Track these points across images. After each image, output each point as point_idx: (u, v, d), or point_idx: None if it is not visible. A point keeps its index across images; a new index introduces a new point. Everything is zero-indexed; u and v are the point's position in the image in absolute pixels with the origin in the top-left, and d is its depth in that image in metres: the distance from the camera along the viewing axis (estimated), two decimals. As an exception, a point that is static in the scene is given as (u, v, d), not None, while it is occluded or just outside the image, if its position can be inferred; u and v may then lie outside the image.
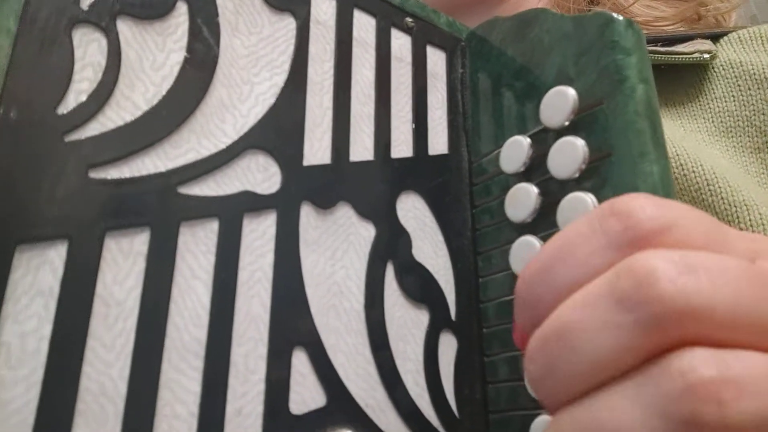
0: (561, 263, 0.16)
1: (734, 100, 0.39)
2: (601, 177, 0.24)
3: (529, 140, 0.27)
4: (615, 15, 0.26)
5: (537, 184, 0.26)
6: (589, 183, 0.24)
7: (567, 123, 0.25)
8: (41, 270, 0.18)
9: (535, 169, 0.27)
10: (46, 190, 0.18)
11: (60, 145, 0.19)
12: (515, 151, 0.27)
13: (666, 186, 0.23)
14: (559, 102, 0.25)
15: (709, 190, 0.33)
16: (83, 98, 0.20)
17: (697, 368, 0.14)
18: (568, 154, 0.24)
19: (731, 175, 0.34)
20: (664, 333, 0.14)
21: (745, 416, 0.13)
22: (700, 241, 0.15)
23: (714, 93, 0.40)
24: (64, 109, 0.20)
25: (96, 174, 0.20)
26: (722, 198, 0.32)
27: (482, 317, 0.28)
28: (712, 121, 0.39)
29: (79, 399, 0.17)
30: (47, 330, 0.17)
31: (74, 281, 0.18)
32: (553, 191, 0.26)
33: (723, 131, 0.38)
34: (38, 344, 0.17)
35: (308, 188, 0.24)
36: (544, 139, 0.27)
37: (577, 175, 0.24)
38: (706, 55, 0.40)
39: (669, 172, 0.24)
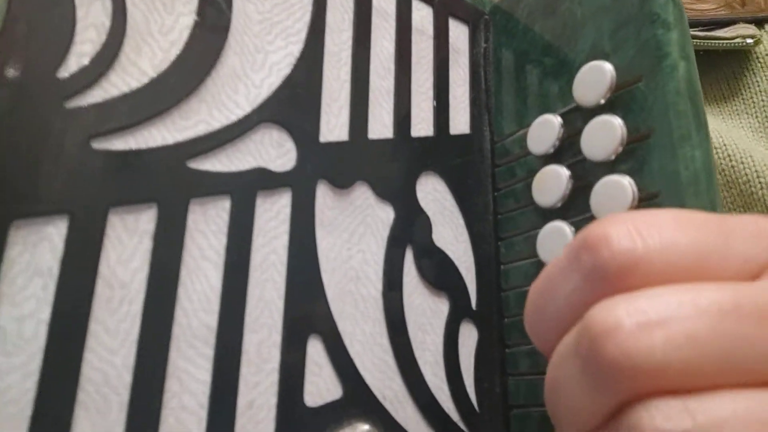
0: (547, 302, 0.16)
1: None
2: (638, 160, 0.23)
3: (560, 119, 0.25)
4: (655, -14, 0.24)
5: (568, 167, 0.25)
6: (625, 166, 0.23)
7: (603, 101, 0.23)
8: (39, 248, 0.16)
9: (565, 151, 0.25)
10: (45, 161, 0.17)
11: (60, 112, 0.18)
12: (545, 130, 0.25)
13: (708, 173, 0.22)
14: (595, 78, 0.24)
15: (760, 182, 0.31)
16: (85, 62, 0.18)
17: (647, 427, 0.13)
18: (605, 134, 0.23)
19: None
20: (618, 393, 0.14)
21: None
22: (682, 270, 0.14)
23: (759, 86, 0.37)
24: (64, 72, 0.18)
25: (99, 144, 0.18)
26: (764, 182, 0.31)
27: (503, 306, 0.27)
28: (756, 117, 0.37)
29: (81, 389, 0.16)
30: (46, 313, 0.16)
31: (75, 260, 0.17)
32: (586, 174, 0.24)
33: None
34: (36, 329, 0.16)
35: (325, 166, 0.23)
36: (576, 118, 0.25)
37: (613, 157, 0.23)
38: (750, 40, 0.37)
39: (711, 157, 0.22)
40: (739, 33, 0.39)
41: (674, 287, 0.14)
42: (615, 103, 0.24)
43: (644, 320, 0.13)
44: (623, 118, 0.23)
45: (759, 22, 0.41)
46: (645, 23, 0.24)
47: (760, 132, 0.37)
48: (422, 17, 0.29)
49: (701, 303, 0.14)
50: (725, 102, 0.39)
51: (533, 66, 0.28)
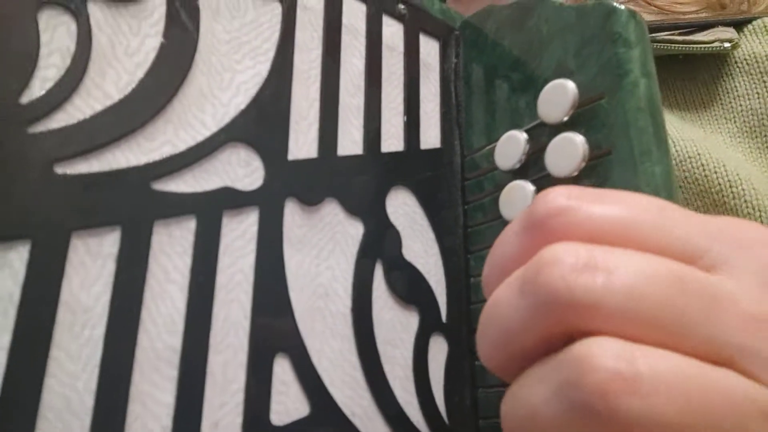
0: (495, 253, 0.18)
1: (759, 98, 0.36)
2: (600, 176, 0.23)
3: (525, 136, 0.26)
4: (616, 5, 0.25)
5: (533, 182, 0.25)
6: (588, 182, 0.23)
7: (566, 118, 0.24)
8: (0, 274, 0.16)
9: (531, 166, 0.26)
10: (7, 186, 0.17)
11: (23, 137, 0.18)
12: (511, 146, 0.26)
13: (668, 187, 0.22)
14: (558, 96, 0.24)
15: (732, 192, 0.32)
16: (49, 86, 0.19)
17: (592, 357, 0.14)
18: (568, 152, 0.23)
19: (756, 179, 0.33)
20: (552, 320, 0.15)
21: (632, 414, 0.13)
22: (602, 229, 0.16)
23: (737, 90, 0.37)
24: (28, 98, 0.18)
25: (62, 169, 0.18)
26: (746, 201, 0.31)
27: (473, 319, 0.27)
28: (734, 122, 0.37)
29: (41, 416, 0.16)
30: (5, 340, 0.16)
31: (37, 286, 0.17)
32: (550, 190, 0.24)
33: (746, 132, 0.36)
34: (-5, 356, 0.16)
35: (293, 184, 0.23)
36: (540, 134, 0.26)
37: (576, 173, 0.23)
38: (727, 44, 0.37)
39: (672, 172, 0.23)
40: (718, 36, 0.38)
41: (626, 249, 0.15)
42: (578, 119, 0.24)
43: (592, 263, 0.15)
44: (586, 134, 0.24)
45: (738, 25, 0.40)
46: (607, 42, 0.24)
47: (739, 137, 0.37)
48: (392, 33, 0.29)
49: (649, 267, 0.15)
50: (704, 107, 0.39)
51: (501, 81, 0.29)
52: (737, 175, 0.33)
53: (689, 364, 0.14)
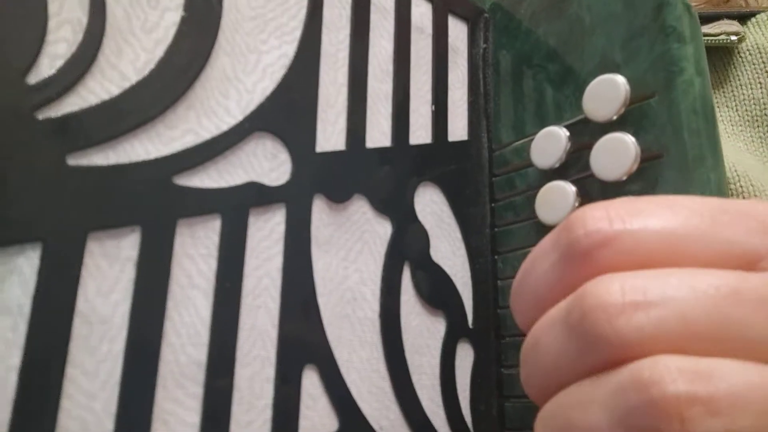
0: (528, 278, 0.17)
1: (761, 87, 0.36)
2: (650, 181, 0.22)
3: (567, 132, 0.24)
4: (670, -4, 0.23)
5: (573, 182, 0.23)
6: (636, 186, 0.22)
7: (615, 117, 0.22)
8: (7, 282, 0.14)
9: (571, 166, 0.24)
10: (14, 181, 0.15)
11: (31, 124, 0.15)
12: (551, 143, 0.24)
13: (722, 197, 0.21)
14: (608, 92, 0.22)
15: (730, 188, 0.31)
16: (59, 64, 0.16)
17: (662, 383, 0.13)
18: (618, 153, 0.22)
19: (755, 172, 0.32)
20: (604, 361, 0.14)
21: None
22: (656, 251, 0.15)
23: (740, 80, 0.37)
24: (35, 77, 0.16)
25: (75, 160, 0.16)
26: (744, 198, 0.30)
27: (500, 325, 0.26)
28: (737, 110, 0.37)
29: (56, 442, 0.14)
30: (16, 358, 0.14)
31: (49, 295, 0.15)
32: (593, 192, 0.23)
33: (748, 121, 0.36)
34: (5, 376, 0.14)
35: (321, 179, 0.21)
36: (582, 131, 0.24)
37: (625, 177, 0.22)
38: (734, 37, 0.37)
39: (725, 180, 0.21)
40: (724, 29, 0.38)
41: (673, 270, 0.14)
42: (626, 118, 0.23)
43: (639, 299, 0.14)
44: (634, 134, 0.22)
45: (742, 18, 0.41)
46: (659, 35, 0.23)
47: (740, 126, 0.37)
48: (421, 14, 0.27)
49: (698, 285, 0.14)
50: None
51: (535, 71, 0.27)
52: (736, 170, 0.33)
53: (759, 372, 0.13)
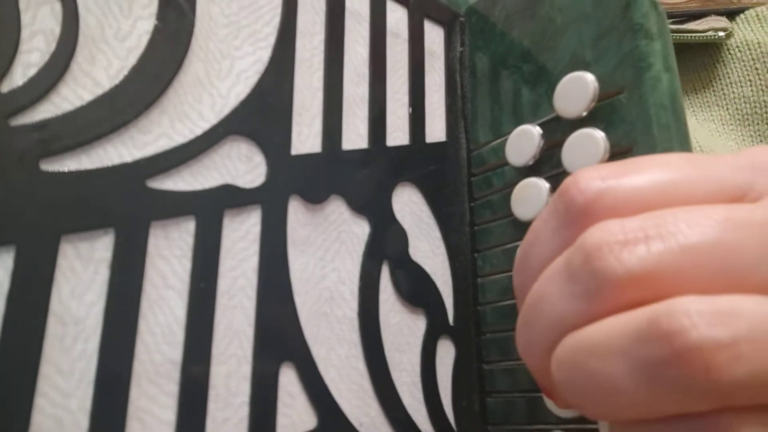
0: (531, 249, 0.17)
1: (751, 85, 0.36)
2: (621, 175, 0.22)
3: (540, 130, 0.24)
4: (637, -6, 0.23)
5: (547, 179, 0.24)
6: (607, 181, 0.22)
7: (585, 113, 0.23)
8: (-19, 284, 0.15)
9: (544, 163, 0.24)
10: (-13, 186, 0.15)
11: (4, 131, 0.16)
12: (525, 141, 0.25)
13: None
14: (578, 89, 0.23)
15: None
16: (32, 72, 0.17)
17: (684, 332, 0.13)
18: (587, 148, 0.22)
19: None
20: (612, 302, 0.14)
21: (736, 380, 0.12)
22: (648, 197, 0.15)
23: (729, 77, 0.37)
24: (8, 86, 0.16)
25: (49, 165, 0.16)
26: None
27: (480, 321, 0.26)
28: (727, 109, 0.37)
29: (30, 440, 0.15)
30: (-11, 358, 0.14)
31: (23, 297, 0.15)
32: (566, 188, 0.23)
33: (739, 119, 0.36)
34: (-22, 376, 0.14)
35: (297, 180, 0.22)
36: (555, 129, 0.24)
37: (595, 172, 0.22)
38: (721, 33, 0.37)
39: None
40: (712, 26, 0.38)
41: (667, 210, 0.15)
42: (596, 114, 0.23)
43: (639, 235, 0.14)
44: (604, 130, 0.22)
45: (730, 14, 0.40)
46: (627, 33, 0.23)
47: (731, 124, 0.37)
48: (397, 19, 0.27)
49: (693, 218, 0.14)
50: (696, 93, 0.39)
51: (510, 72, 0.27)
52: None
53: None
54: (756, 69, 0.36)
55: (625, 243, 0.14)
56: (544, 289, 0.16)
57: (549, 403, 0.23)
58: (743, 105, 0.37)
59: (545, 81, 0.26)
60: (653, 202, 0.15)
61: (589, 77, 0.23)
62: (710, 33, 0.38)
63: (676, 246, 0.14)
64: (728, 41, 0.38)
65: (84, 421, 0.15)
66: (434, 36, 0.29)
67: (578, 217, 0.16)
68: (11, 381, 0.14)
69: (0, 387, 0.14)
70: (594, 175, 0.16)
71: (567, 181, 0.16)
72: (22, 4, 0.17)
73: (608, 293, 0.14)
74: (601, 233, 0.14)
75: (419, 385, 0.23)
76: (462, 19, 0.30)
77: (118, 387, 0.16)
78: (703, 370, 0.12)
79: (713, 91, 0.38)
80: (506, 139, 0.26)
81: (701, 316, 0.13)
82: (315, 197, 0.22)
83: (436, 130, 0.28)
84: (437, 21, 0.29)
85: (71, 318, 0.16)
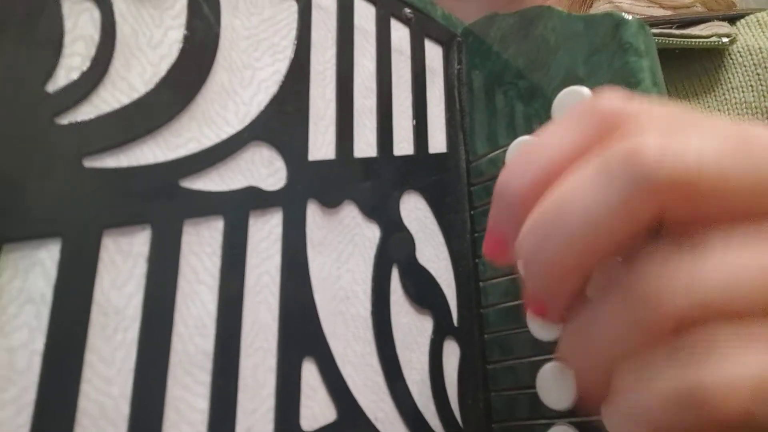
0: (539, 151, 0.17)
1: (753, 91, 0.36)
2: (616, 181, 0.24)
3: (538, 141, 0.26)
4: (626, 15, 0.25)
5: (546, 187, 0.25)
6: (604, 187, 0.24)
7: (581, 125, 0.24)
8: (31, 273, 0.15)
9: (543, 171, 0.26)
10: (36, 180, 0.16)
11: (50, 128, 0.17)
12: (524, 151, 0.26)
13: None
14: (574, 103, 0.25)
15: None
16: (75, 76, 0.18)
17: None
18: (585, 157, 0.24)
19: None
20: (649, 201, 0.14)
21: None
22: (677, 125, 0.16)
23: (731, 82, 0.37)
24: (53, 86, 0.17)
25: (91, 163, 0.17)
26: None
27: (483, 324, 0.27)
28: (728, 114, 0.36)
29: (77, 423, 0.15)
30: (39, 343, 0.15)
31: (69, 286, 0.16)
32: (565, 194, 0.25)
33: None
34: (29, 360, 0.15)
35: (314, 185, 0.23)
36: (552, 140, 0.26)
37: (593, 178, 0.24)
38: (725, 39, 0.37)
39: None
40: (715, 31, 0.38)
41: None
42: (592, 126, 0.25)
43: (676, 144, 0.14)
44: (600, 141, 0.24)
45: (732, 20, 0.40)
46: (618, 51, 0.25)
47: None
48: (400, 37, 0.29)
49: (718, 132, 0.15)
50: (697, 98, 0.39)
51: (506, 89, 0.29)
52: None
53: None
54: (757, 74, 0.36)
55: (669, 144, 0.14)
56: (575, 181, 0.15)
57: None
58: (745, 111, 0.36)
59: (540, 97, 0.27)
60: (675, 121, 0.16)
61: (585, 91, 0.24)
62: (714, 38, 0.38)
63: (713, 153, 0.14)
64: (731, 47, 0.38)
65: (125, 407, 0.16)
66: (434, 54, 0.31)
67: (601, 112, 0.16)
68: (61, 366, 0.15)
69: (50, 371, 0.15)
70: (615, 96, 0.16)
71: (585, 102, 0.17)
72: (65, 11, 0.18)
73: (646, 190, 0.14)
74: (642, 137, 0.15)
75: (428, 383, 0.24)
76: (459, 39, 0.32)
77: (156, 375, 0.17)
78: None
79: (715, 96, 0.38)
80: (504, 151, 0.27)
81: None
82: (330, 201, 0.23)
83: (437, 142, 0.29)
84: (436, 40, 0.31)
85: (112, 308, 0.17)
